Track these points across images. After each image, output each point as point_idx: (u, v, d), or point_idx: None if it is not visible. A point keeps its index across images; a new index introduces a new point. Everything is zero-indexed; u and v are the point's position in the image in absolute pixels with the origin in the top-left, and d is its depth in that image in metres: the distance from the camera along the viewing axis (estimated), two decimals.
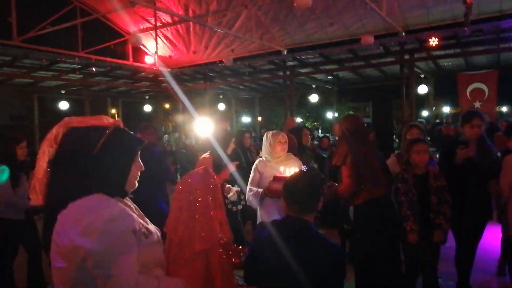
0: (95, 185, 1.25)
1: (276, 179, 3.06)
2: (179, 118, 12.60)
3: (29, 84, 11.07)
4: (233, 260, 1.92)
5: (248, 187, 3.39)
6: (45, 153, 1.31)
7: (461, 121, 3.35)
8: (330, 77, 11.92)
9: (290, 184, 1.84)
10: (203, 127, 3.85)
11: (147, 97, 13.88)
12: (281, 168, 3.14)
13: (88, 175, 1.26)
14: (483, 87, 9.52)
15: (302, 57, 9.31)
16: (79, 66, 9.49)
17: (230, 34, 8.70)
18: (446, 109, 16.99)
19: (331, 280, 1.71)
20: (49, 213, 1.26)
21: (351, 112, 15.57)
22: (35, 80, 10.40)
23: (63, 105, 11.27)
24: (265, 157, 3.48)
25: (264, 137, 3.51)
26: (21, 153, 3.58)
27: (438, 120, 13.46)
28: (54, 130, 1.33)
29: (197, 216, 2.11)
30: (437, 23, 7.79)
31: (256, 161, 3.56)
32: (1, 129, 12.66)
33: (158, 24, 9.54)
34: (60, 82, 10.69)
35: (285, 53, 9.39)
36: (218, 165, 3.13)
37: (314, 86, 12.48)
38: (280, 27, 8.86)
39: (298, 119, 20.91)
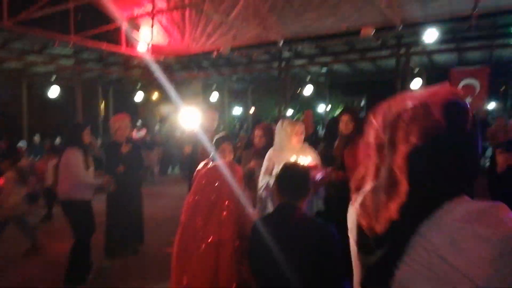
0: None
1: None
2: (166, 108, 12.43)
3: (18, 70, 10.80)
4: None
5: (261, 176, 3.36)
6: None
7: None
8: (324, 70, 11.91)
9: (282, 173, 2.02)
10: (190, 117, 3.82)
11: (138, 86, 13.66)
12: (293, 157, 3.13)
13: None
14: (475, 82, 9.63)
15: (298, 48, 9.27)
16: (72, 51, 9.29)
17: (227, 22, 8.59)
18: None
19: (328, 258, 1.79)
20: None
21: (341, 106, 15.72)
22: (25, 64, 10.15)
23: (53, 92, 10.99)
24: (279, 147, 3.44)
25: (279, 125, 3.46)
26: (87, 138, 3.96)
27: None
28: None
29: (215, 210, 2.12)
30: (434, 17, 7.81)
31: (270, 150, 3.51)
32: None
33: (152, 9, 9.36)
34: (51, 68, 10.46)
35: (281, 44, 9.32)
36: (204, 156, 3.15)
37: (308, 79, 12.45)
38: (278, 16, 8.77)
39: (290, 111, 20.94)
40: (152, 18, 9.04)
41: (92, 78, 12.81)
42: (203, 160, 2.71)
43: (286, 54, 9.84)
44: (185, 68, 11.95)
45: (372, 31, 7.15)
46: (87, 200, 3.90)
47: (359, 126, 3.50)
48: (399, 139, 0.90)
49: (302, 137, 3.40)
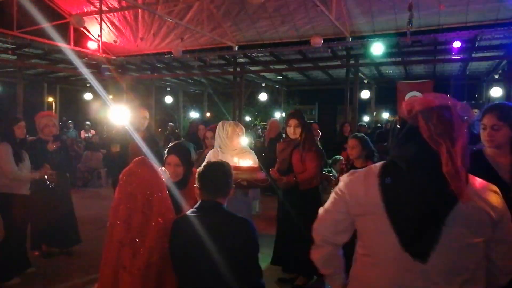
0: None
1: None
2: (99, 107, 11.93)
3: None
4: None
5: None
6: None
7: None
8: (280, 77, 12.08)
9: (203, 171, 2.04)
10: (119, 115, 3.72)
11: (88, 85, 13.13)
12: (235, 159, 3.14)
13: None
14: (419, 95, 10.15)
15: (253, 54, 9.33)
16: (13, 46, 8.75)
17: (181, 24, 8.49)
18: (385, 115, 17.95)
19: (244, 253, 1.87)
20: None
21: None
22: None
23: None
24: (219, 148, 3.43)
25: (219, 127, 3.45)
26: (20, 132, 3.91)
27: (379, 125, 14.17)
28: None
29: (153, 223, 2.02)
30: (381, 32, 8.16)
31: (210, 152, 3.51)
32: None
33: (104, 8, 9.07)
34: None
35: (236, 49, 9.35)
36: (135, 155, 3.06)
37: (263, 85, 12.57)
38: (232, 22, 8.80)
39: (247, 118, 21.02)
40: (100, 16, 8.74)
41: (37, 74, 12.16)
42: (133, 159, 2.64)
43: (241, 59, 9.87)
44: (139, 70, 11.64)
45: (321, 41, 7.34)
46: (22, 195, 3.78)
47: (306, 130, 3.58)
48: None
49: (242, 139, 3.41)
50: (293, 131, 3.59)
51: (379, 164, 1.44)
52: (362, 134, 4.01)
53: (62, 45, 9.33)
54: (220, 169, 2.06)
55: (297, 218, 3.47)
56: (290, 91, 14.24)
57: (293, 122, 3.59)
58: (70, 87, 14.13)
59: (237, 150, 3.37)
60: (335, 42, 8.18)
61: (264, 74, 11.49)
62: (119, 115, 3.69)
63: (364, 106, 13.38)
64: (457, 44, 7.36)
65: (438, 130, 1.25)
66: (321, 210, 1.59)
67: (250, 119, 20.70)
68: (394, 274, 1.33)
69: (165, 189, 2.12)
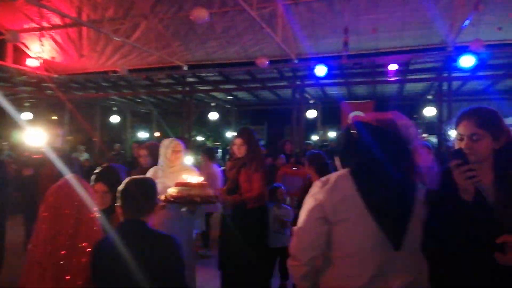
0: None
1: (178, 185, 3.02)
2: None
3: None
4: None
5: None
6: None
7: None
8: (230, 97, 12.20)
9: (125, 189, 1.92)
10: (34, 136, 3.63)
11: (27, 105, 12.43)
12: (184, 176, 3.11)
13: None
14: (361, 115, 10.72)
15: (202, 74, 9.38)
16: None
17: (128, 43, 8.37)
18: (331, 134, 18.65)
19: (169, 271, 1.81)
20: None
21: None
22: None
23: None
24: (161, 166, 3.40)
25: (162, 144, 3.48)
26: None
27: (325, 143, 14.68)
28: None
29: (79, 245, 1.91)
30: (325, 54, 8.57)
31: (150, 170, 3.45)
32: None
33: (46, 24, 8.74)
34: None
35: (185, 68, 9.35)
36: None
37: (213, 104, 12.62)
38: (181, 42, 8.83)
39: (199, 137, 20.87)
40: (41, 34, 8.41)
41: None
42: (48, 182, 2.53)
43: (190, 79, 9.88)
44: (83, 89, 11.23)
45: (266, 62, 7.57)
46: None
47: (252, 149, 3.59)
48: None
49: (180, 154, 3.39)
50: (237, 149, 3.61)
51: (344, 171, 1.60)
52: (309, 151, 4.17)
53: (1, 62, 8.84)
54: (143, 185, 1.96)
55: (241, 237, 3.47)
56: (240, 111, 14.40)
57: (238, 140, 3.61)
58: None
59: (177, 167, 3.35)
60: (282, 64, 8.46)
61: (214, 94, 11.55)
62: (34, 136, 3.56)
63: (311, 126, 13.84)
64: (393, 67, 7.92)
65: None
66: (295, 229, 1.64)
67: (203, 139, 20.59)
68: (375, 267, 1.49)
69: (95, 210, 2.04)
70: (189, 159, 3.57)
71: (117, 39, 8.00)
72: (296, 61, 8.46)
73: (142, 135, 18.72)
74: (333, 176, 1.60)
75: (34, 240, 1.96)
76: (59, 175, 2.82)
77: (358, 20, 7.32)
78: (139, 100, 13.14)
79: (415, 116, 12.93)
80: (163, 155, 3.40)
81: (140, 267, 1.74)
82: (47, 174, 3.32)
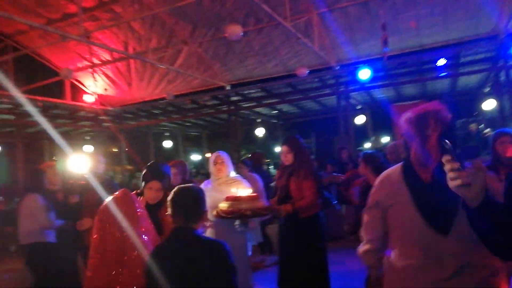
0: None
1: (228, 199, 3.06)
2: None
3: None
4: None
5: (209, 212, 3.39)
6: None
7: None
8: (275, 111, 12.24)
9: (174, 197, 2.05)
10: (78, 163, 3.79)
11: (88, 138, 13.36)
12: (233, 190, 3.16)
13: None
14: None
15: (245, 92, 9.52)
16: (11, 107, 8.99)
17: (172, 70, 8.74)
18: (385, 139, 17.93)
19: (220, 277, 1.87)
20: None
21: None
22: None
23: None
24: (211, 180, 3.53)
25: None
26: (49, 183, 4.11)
27: (378, 149, 14.14)
28: None
29: (126, 257, 2.04)
30: (367, 58, 8.35)
31: (203, 184, 3.54)
32: None
33: (97, 61, 9.40)
34: None
35: (228, 88, 9.55)
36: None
37: (259, 121, 12.72)
38: (221, 63, 9.05)
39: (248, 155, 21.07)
40: (93, 69, 9.03)
41: (36, 132, 12.34)
42: (89, 208, 2.68)
43: (234, 97, 10.06)
44: (136, 118, 11.86)
45: (306, 71, 7.52)
46: (49, 242, 3.97)
47: (299, 156, 3.54)
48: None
49: (222, 166, 3.43)
50: (285, 157, 3.59)
51: (397, 166, 1.86)
52: (364, 152, 4.06)
53: (59, 100, 9.61)
54: (190, 194, 2.04)
55: (297, 246, 3.40)
56: (286, 125, 14.38)
57: (284, 148, 3.60)
58: (71, 142, 14.30)
59: (223, 179, 3.39)
60: (323, 72, 8.35)
61: (259, 110, 11.66)
62: (77, 164, 3.75)
63: (361, 133, 13.42)
64: (441, 62, 7.51)
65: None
66: (364, 215, 1.98)
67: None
68: (425, 249, 1.63)
69: (142, 224, 2.13)
70: (233, 173, 3.60)
71: (162, 66, 8.39)
72: (337, 68, 8.32)
73: (195, 157, 19.28)
74: (388, 169, 1.92)
75: (90, 267, 2.07)
76: (101, 200, 2.99)
77: (397, 19, 7.07)
78: (189, 124, 13.61)
79: (475, 112, 12.10)
80: (210, 169, 3.50)
81: (191, 273, 1.84)
82: (91, 199, 3.51)
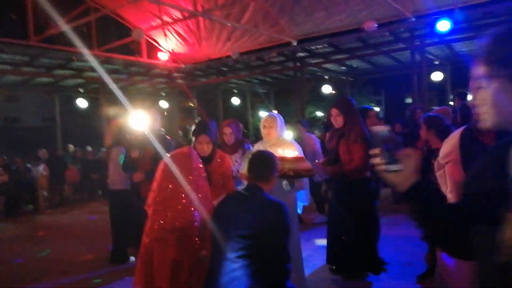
0: None
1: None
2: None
3: (50, 84, 11.47)
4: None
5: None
6: None
7: None
8: (343, 67, 11.81)
9: (251, 158, 2.38)
10: (137, 120, 4.00)
11: (163, 94, 14.15)
12: (279, 150, 3.23)
13: None
14: None
15: (312, 47, 9.28)
16: (93, 65, 9.76)
17: (238, 27, 8.77)
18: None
19: (276, 234, 2.05)
20: None
21: (372, 104, 15.63)
22: (56, 79, 10.80)
23: (82, 104, 11.67)
24: (261, 142, 3.61)
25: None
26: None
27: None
28: None
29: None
30: (446, 7, 7.59)
31: (255, 145, 3.66)
32: (32, 131, 13.17)
33: (168, 19, 9.74)
34: (79, 80, 11.07)
35: (295, 44, 9.38)
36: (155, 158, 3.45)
37: (327, 77, 12.39)
38: (289, 18, 8.85)
39: (318, 113, 20.74)
40: (163, 28, 9.35)
41: (120, 88, 13.30)
42: (143, 162, 2.98)
43: (301, 54, 9.88)
44: (206, 75, 12.23)
45: (374, 25, 7.08)
46: (128, 190, 4.58)
47: (349, 119, 3.49)
48: None
49: (271, 130, 3.45)
50: (334, 120, 3.56)
51: (463, 127, 2.10)
52: (427, 114, 3.83)
53: (135, 58, 10.23)
54: (264, 157, 2.36)
55: (345, 208, 3.44)
56: (356, 82, 13.80)
57: (333, 111, 3.55)
58: (148, 97, 15.27)
59: (273, 141, 3.43)
60: (395, 24, 7.80)
61: (327, 66, 11.32)
62: (137, 121, 4.01)
63: (438, 91, 12.47)
64: None
65: None
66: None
67: (322, 114, 20.45)
68: None
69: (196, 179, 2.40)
70: (289, 134, 3.65)
71: (228, 24, 8.46)
72: (412, 19, 7.70)
73: (263, 114, 19.53)
74: (454, 132, 2.19)
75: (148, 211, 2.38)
76: (155, 155, 3.30)
77: None
78: (256, 81, 13.71)
79: None
80: (261, 130, 3.58)
81: (250, 225, 2.05)
82: (146, 155, 3.85)
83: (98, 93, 11.68)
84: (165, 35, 9.60)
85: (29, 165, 9.35)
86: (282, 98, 16.86)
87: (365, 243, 3.47)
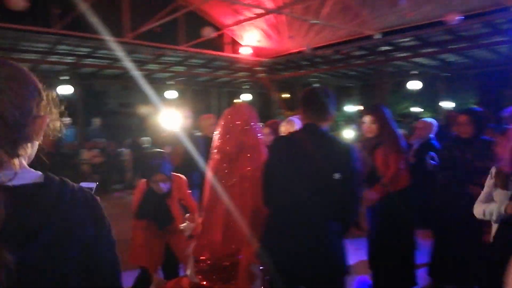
0: None
1: None
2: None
3: (145, 76, 12.53)
4: None
5: None
6: None
7: None
8: (433, 61, 10.85)
9: (305, 94, 2.11)
10: (169, 118, 4.13)
11: (245, 87, 14.54)
12: None
13: None
14: None
15: (396, 41, 8.71)
16: (181, 59, 10.45)
17: (317, 22, 8.61)
18: None
19: (344, 178, 1.84)
20: None
21: (474, 106, 14.11)
22: (147, 72, 11.78)
23: (172, 95, 12.57)
24: None
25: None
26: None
27: None
28: None
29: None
30: None
31: None
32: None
33: (250, 15, 9.95)
34: (168, 74, 11.94)
35: (377, 37, 8.88)
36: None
37: (414, 72, 11.51)
38: (370, 9, 8.41)
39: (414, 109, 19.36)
40: (247, 24, 9.53)
41: (206, 81, 14.04)
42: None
43: (384, 47, 9.34)
44: (286, 69, 12.26)
45: (458, 17, 6.38)
46: None
47: (385, 127, 3.23)
48: None
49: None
50: (367, 128, 3.32)
51: None
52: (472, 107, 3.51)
53: (220, 53, 10.67)
54: (321, 93, 2.09)
55: (384, 218, 3.23)
56: (451, 77, 12.55)
57: (367, 118, 3.32)
58: (232, 90, 15.84)
59: None
60: (492, 15, 6.93)
61: (416, 60, 10.50)
62: (168, 118, 4.18)
63: None
64: None
65: None
66: None
67: (412, 111, 19.09)
68: None
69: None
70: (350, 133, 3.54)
71: (307, 20, 8.33)
72: None
73: (348, 108, 18.86)
74: None
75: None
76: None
77: None
78: (339, 75, 13.31)
79: None
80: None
81: (313, 168, 1.89)
82: (177, 151, 4.00)
83: (185, 85, 12.47)
84: (248, 30, 9.81)
85: (121, 149, 10.41)
86: (367, 93, 16.10)
87: (401, 256, 3.28)
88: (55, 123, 0.94)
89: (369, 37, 9.06)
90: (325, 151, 1.86)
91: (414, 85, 10.75)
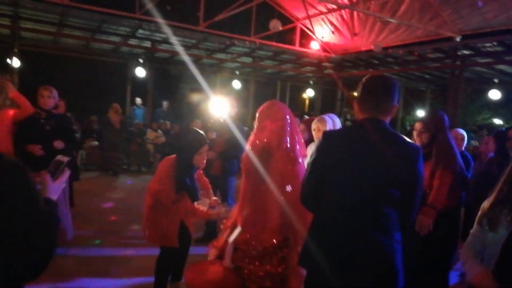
0: None
1: None
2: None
3: (212, 65, 12.93)
4: None
5: None
6: None
7: None
8: None
9: (364, 83, 1.78)
10: (218, 106, 4.25)
11: (311, 82, 14.39)
12: None
13: None
14: None
15: (477, 45, 8.09)
16: (249, 50, 10.60)
17: (393, 21, 8.28)
18: None
19: (408, 176, 1.67)
20: None
21: None
22: (217, 61, 12.14)
23: (236, 85, 12.85)
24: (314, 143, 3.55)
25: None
26: None
27: None
28: None
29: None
30: None
31: (308, 148, 3.54)
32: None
33: (323, 9, 9.81)
34: (235, 64, 12.20)
35: (458, 40, 8.32)
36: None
37: (496, 81, 10.61)
38: (452, 9, 7.90)
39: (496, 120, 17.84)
40: (321, 18, 9.41)
41: (271, 73, 14.14)
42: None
43: (465, 51, 8.72)
44: (355, 67, 11.94)
45: None
46: None
47: (438, 137, 2.93)
48: None
49: (319, 133, 3.21)
50: (417, 136, 3.01)
51: None
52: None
53: (288, 46, 10.68)
54: (382, 82, 1.78)
55: (425, 237, 2.89)
56: None
57: (418, 125, 3.04)
58: (297, 84, 15.78)
59: None
60: None
61: (499, 67, 9.68)
62: (216, 106, 4.31)
63: None
64: None
65: None
66: None
67: (493, 121, 17.61)
68: None
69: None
70: None
71: (383, 18, 8.04)
72: None
73: (419, 113, 17.90)
74: None
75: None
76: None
77: None
78: (413, 77, 12.67)
79: None
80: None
81: (375, 164, 1.68)
82: (223, 138, 4.23)
83: (249, 75, 12.66)
84: (320, 24, 9.71)
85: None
86: (440, 98, 15.14)
87: (435, 278, 3.02)
88: None
89: (447, 39, 8.52)
90: (392, 150, 1.65)
91: (496, 94, 9.92)
